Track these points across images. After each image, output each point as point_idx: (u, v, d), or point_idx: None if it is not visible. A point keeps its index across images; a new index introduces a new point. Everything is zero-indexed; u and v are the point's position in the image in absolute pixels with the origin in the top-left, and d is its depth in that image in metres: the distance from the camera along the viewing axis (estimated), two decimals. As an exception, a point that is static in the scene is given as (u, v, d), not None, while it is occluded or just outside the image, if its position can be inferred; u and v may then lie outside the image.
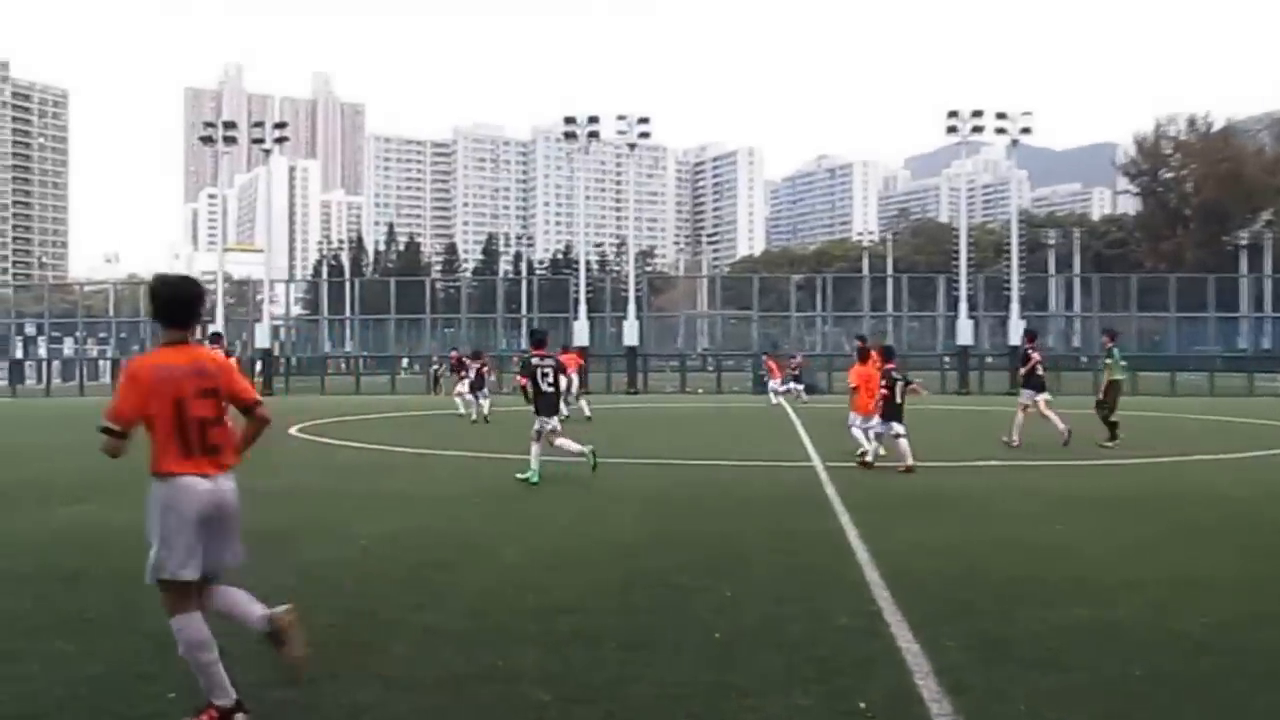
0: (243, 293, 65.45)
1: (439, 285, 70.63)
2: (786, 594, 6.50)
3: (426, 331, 52.45)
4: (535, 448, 12.67)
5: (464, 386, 25.34)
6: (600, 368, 48.45)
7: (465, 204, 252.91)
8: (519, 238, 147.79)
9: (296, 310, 70.83)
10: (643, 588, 6.75)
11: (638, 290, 48.38)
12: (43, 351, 56.18)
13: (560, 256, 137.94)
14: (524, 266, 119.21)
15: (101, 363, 58.45)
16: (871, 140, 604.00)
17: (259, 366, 47.55)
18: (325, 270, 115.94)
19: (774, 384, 32.47)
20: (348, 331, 56.81)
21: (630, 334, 46.75)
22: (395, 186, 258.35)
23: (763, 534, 8.71)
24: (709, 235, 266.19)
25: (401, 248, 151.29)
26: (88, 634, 5.72)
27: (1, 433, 23.08)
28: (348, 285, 63.73)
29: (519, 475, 12.56)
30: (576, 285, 48.43)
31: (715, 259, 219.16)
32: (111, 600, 6.44)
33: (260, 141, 49.29)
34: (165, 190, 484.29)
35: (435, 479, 13.01)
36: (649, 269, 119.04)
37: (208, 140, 49.94)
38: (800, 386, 35.11)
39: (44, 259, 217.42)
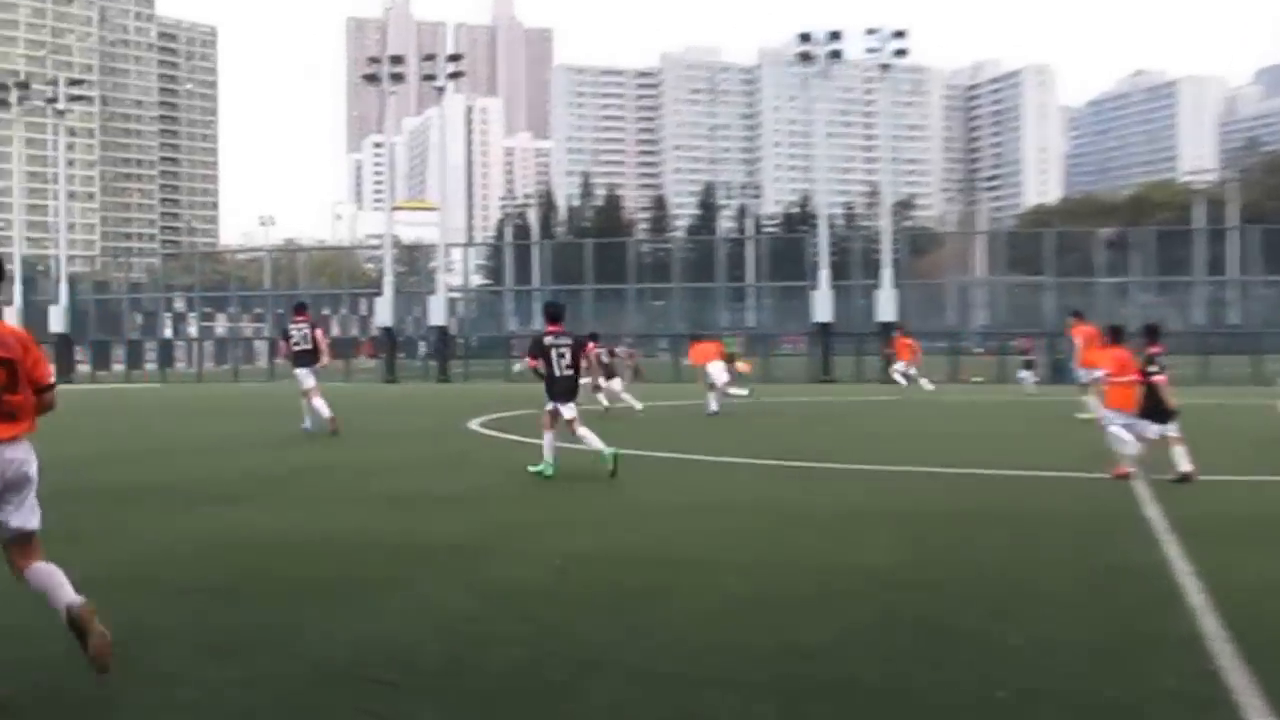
0: (414, 259, 68.37)
1: (645, 248, 71.67)
2: (1093, 645, 6.30)
3: (630, 304, 53.30)
4: (548, 436, 13.58)
5: (614, 383, 26.23)
6: (847, 349, 48.04)
7: (676, 147, 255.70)
8: (743, 188, 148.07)
9: (476, 280, 73.61)
10: (903, 630, 6.68)
11: (895, 251, 47.67)
12: (194, 330, 60.66)
13: (795, 210, 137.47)
14: (749, 223, 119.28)
15: (257, 344, 62.50)
16: (1206, 48, 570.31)
17: (422, 349, 49.49)
18: (509, 231, 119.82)
19: (899, 366, 33.52)
20: (535, 304, 58.33)
21: (885, 306, 46.05)
22: (591, 128, 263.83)
23: (1060, 565, 8.50)
24: (987, 180, 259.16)
25: (599, 202, 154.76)
26: (248, 657, 6.04)
27: (150, 424, 24.96)
28: (535, 249, 65.35)
29: (531, 468, 13.50)
30: (816, 246, 48.12)
31: (996, 210, 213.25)
32: (272, 618, 6.83)
33: (432, 78, 51.28)
34: (325, 140, 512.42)
35: (644, 486, 13.25)
36: (908, 224, 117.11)
37: (372, 79, 52.34)
38: (1029, 374, 35.81)
39: (193, 223, 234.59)
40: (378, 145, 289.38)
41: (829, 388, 40.41)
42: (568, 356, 13.66)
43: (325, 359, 21.40)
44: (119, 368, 59.05)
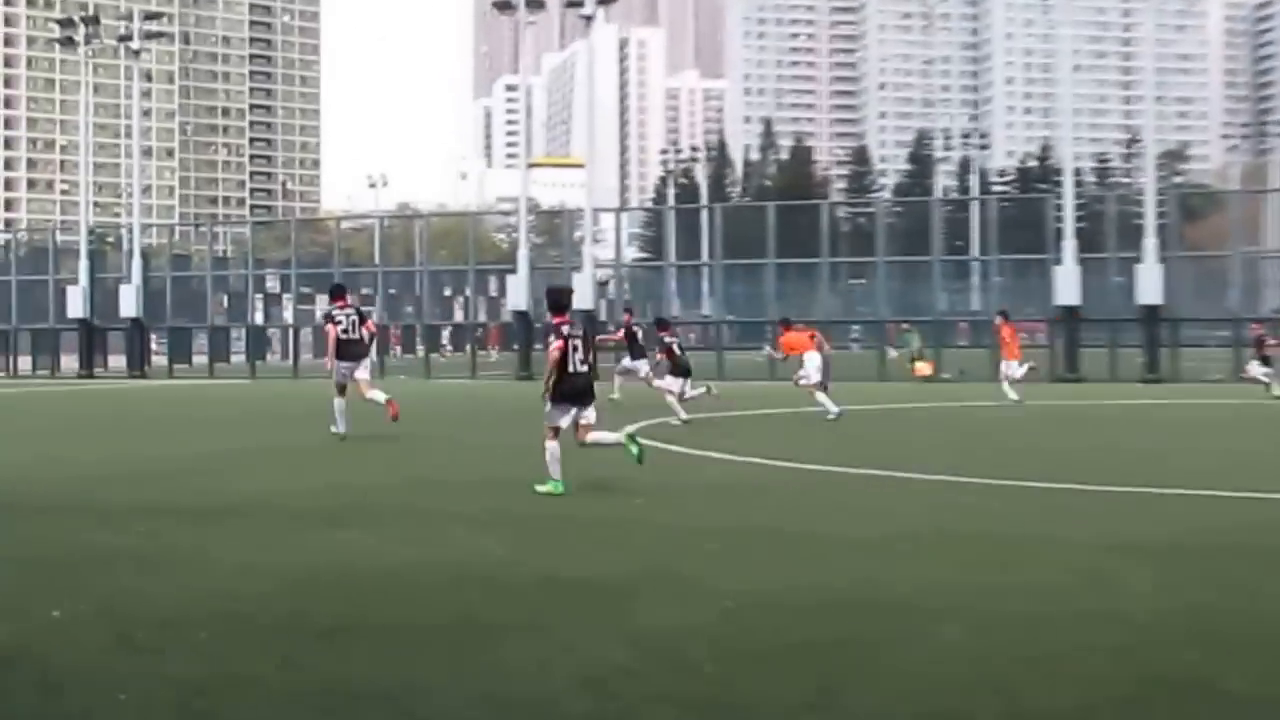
0: (554, 228, 68.90)
1: (842, 213, 71.09)
2: None
3: (822, 283, 53.00)
4: (552, 445, 14.17)
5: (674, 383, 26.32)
6: (1098, 338, 47.06)
7: (880, 85, 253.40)
8: (965, 137, 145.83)
9: (631, 253, 73.95)
10: (1172, 695, 6.57)
11: (1161, 215, 46.47)
12: (289, 314, 62.05)
13: (1032, 164, 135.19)
14: (974, 180, 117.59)
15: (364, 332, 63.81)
16: None
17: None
18: (672, 193, 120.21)
19: (1008, 366, 32.18)
20: (704, 283, 58.47)
21: (1148, 285, 44.78)
22: (774, 64, 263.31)
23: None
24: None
25: (785, 156, 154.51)
26: (354, 715, 6.18)
27: (238, 428, 25.61)
28: (705, 215, 65.50)
29: (538, 488, 14.07)
30: (1060, 208, 47.22)
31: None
32: (381, 668, 6.96)
33: (578, 4, 51.44)
34: (447, 85, 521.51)
35: (838, 510, 13.26)
36: (1179, 180, 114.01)
37: (504, 7, 52.73)
38: (1268, 369, 34.82)
39: (289, 184, 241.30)
40: (511, 89, 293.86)
41: (1076, 388, 39.52)
42: (581, 350, 14.24)
43: (369, 356, 22.87)
44: (200, 359, 60.40)
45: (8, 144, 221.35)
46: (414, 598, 8.98)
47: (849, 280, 54.64)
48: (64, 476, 16.64)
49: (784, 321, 29.53)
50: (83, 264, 57.79)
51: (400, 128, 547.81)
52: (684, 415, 24.85)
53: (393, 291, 60.89)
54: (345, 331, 21.81)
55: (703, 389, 26.36)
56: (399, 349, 68.05)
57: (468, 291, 61.29)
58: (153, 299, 58.50)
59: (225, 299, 62.99)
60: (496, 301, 62.66)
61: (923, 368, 47.01)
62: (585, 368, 14.30)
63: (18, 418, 30.50)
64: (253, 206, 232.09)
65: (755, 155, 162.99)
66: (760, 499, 14.13)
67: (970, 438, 22.84)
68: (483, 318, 63.32)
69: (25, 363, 59.75)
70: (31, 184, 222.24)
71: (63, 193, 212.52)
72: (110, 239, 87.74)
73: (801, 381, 26.38)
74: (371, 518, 12.56)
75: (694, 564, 10.13)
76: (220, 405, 34.50)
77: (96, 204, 71.15)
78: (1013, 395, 31.06)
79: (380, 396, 21.47)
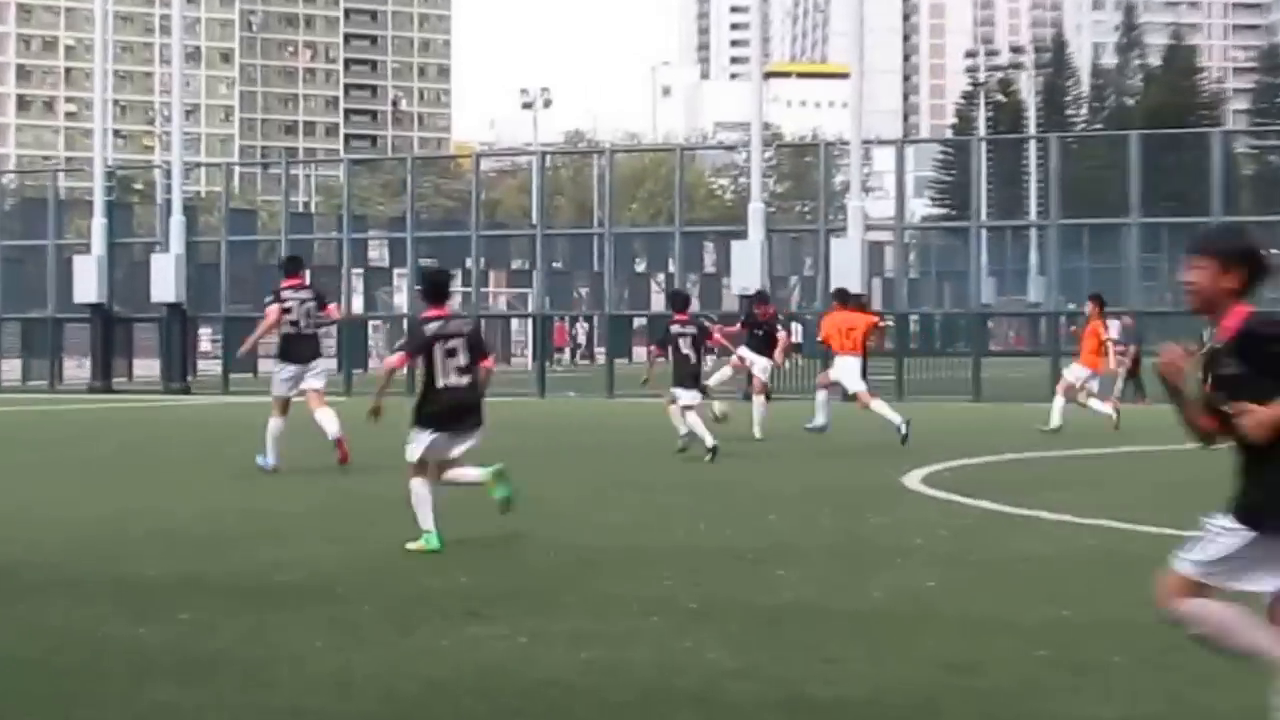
0: (803, 170, 68.28)
1: (1243, 145, 69.29)
2: None
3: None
4: (415, 483, 15.78)
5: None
6: None
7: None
8: None
9: (919, 208, 73.03)
10: None
11: None
12: (401, 300, 62.19)
13: None
14: None
15: (515, 324, 63.35)
16: None
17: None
18: (982, 118, 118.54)
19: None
20: (1031, 254, 57.53)
21: None
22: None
23: None
24: None
25: (1154, 60, 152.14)
26: None
27: (315, 472, 24.99)
28: (1032, 149, 64.43)
29: (409, 546, 15.36)
30: None
31: None
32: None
33: None
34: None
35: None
36: None
37: None
38: None
39: (402, 103, 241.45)
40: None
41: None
42: (461, 355, 15.92)
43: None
44: (269, 366, 59.54)
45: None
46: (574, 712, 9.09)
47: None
48: (73, 539, 16.87)
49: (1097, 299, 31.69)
50: (97, 223, 56.51)
51: (569, 22, 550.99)
52: (702, 433, 26.28)
53: (557, 265, 60.88)
54: (295, 324, 23.11)
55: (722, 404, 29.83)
56: (568, 352, 67.76)
57: (672, 265, 60.02)
58: (201, 276, 57.23)
59: (308, 276, 62.64)
60: (715, 281, 62.63)
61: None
62: (465, 380, 15.92)
63: (5, 450, 30.90)
64: (349, 138, 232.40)
65: (1110, 60, 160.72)
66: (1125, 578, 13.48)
67: None
68: (695, 306, 61.56)
69: (12, 368, 59.89)
70: (23, 104, 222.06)
71: (68, 116, 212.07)
72: (138, 185, 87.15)
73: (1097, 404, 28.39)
74: (515, 609, 12.52)
75: (1022, 676, 10.02)
76: (292, 435, 34.65)
77: (118, 134, 71.70)
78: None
79: (331, 426, 22.90)
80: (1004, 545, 16.33)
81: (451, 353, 15.74)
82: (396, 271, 63.41)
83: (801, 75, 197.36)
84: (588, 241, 62.81)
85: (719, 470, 24.42)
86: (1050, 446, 27.77)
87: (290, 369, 23.09)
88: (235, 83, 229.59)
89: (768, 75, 58.30)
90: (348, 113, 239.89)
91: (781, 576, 13.99)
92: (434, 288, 16.51)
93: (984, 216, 60.19)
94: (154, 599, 12.67)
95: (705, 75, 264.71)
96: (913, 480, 22.65)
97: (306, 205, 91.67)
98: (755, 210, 51.96)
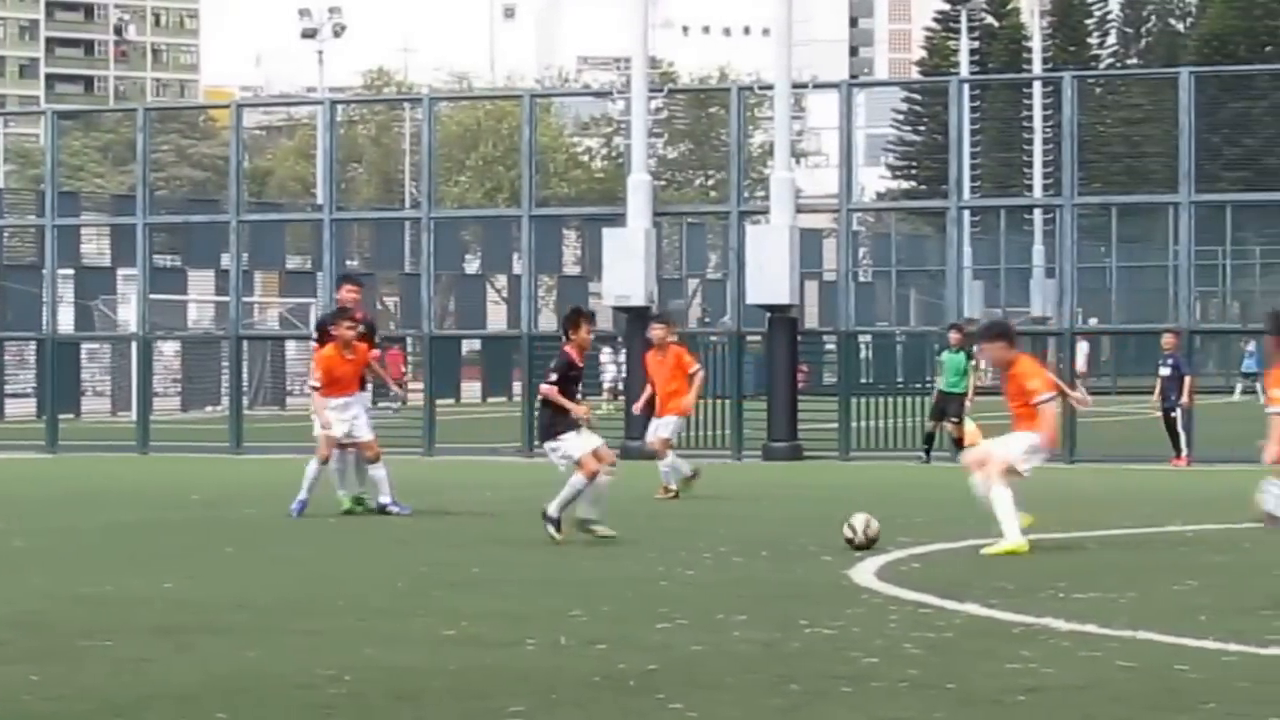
0: (705, 126, 67.55)
1: None
2: None
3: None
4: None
5: None
6: None
7: None
8: None
9: (875, 178, 71.14)
10: None
11: None
12: (129, 314, 56.10)
13: None
14: None
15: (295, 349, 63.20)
16: None
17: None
18: (965, 51, 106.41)
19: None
20: (1035, 246, 54.15)
21: None
22: None
23: None
24: None
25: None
26: None
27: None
28: (1035, 94, 63.19)
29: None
30: None
31: None
32: None
33: None
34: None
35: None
36: None
37: None
38: None
39: (130, 29, 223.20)
40: None
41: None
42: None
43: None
44: None
45: None
46: None
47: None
48: None
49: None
50: None
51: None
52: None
53: (353, 263, 54.22)
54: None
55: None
56: (370, 383, 64.01)
57: (517, 263, 57.03)
58: None
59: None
60: (579, 285, 56.98)
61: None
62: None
63: None
64: (53, 79, 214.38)
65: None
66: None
67: None
68: (546, 323, 52.25)
69: None
70: None
71: None
72: None
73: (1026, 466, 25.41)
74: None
75: None
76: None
77: None
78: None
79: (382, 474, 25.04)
80: (999, 669, 13.57)
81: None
82: (122, 273, 56.37)
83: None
84: (397, 230, 55.82)
85: (593, 559, 22.94)
86: (1064, 524, 25.50)
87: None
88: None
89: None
90: (50, 43, 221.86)
91: (676, 712, 11.82)
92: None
93: (967, 193, 55.43)
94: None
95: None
96: (864, 574, 20.41)
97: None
98: (638, 184, 46.18)
